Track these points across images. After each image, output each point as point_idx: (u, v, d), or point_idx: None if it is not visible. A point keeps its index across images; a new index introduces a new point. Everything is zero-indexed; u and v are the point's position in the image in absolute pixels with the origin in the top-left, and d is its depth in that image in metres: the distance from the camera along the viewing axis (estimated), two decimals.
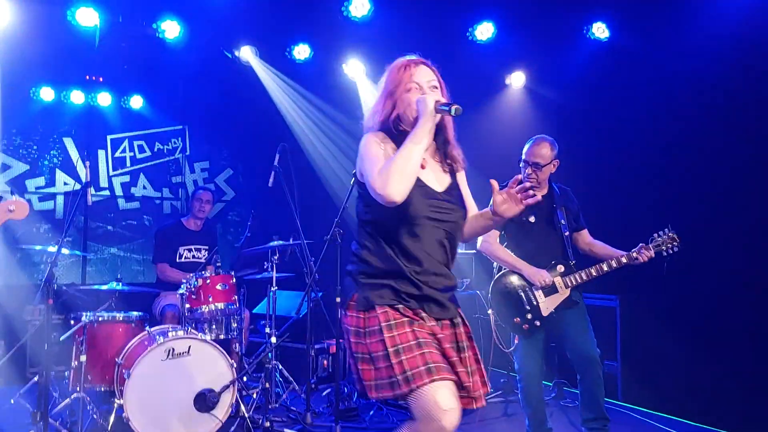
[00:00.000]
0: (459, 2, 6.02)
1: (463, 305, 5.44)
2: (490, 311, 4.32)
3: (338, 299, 4.64)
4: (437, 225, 2.39)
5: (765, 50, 5.00)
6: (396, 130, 2.40)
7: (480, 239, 4.25)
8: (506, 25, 6.45)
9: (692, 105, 5.48)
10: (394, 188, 2.17)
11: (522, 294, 4.13)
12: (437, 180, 2.48)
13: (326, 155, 7.65)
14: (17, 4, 5.63)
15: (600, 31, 6.35)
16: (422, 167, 2.38)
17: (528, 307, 4.10)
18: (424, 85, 2.40)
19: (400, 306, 2.34)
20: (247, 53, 6.82)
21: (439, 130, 2.45)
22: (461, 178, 2.63)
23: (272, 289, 5.19)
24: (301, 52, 6.89)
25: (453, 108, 2.26)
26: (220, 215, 8.56)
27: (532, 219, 4.16)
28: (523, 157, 4.17)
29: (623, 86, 6.11)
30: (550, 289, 4.09)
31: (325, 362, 5.83)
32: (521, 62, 7.13)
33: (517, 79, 7.28)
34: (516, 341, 4.19)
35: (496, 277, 4.25)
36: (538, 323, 4.08)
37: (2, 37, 5.96)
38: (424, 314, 2.39)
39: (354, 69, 7.21)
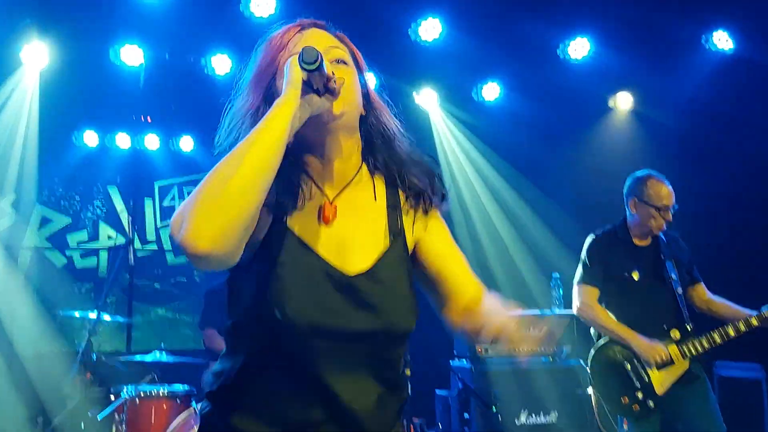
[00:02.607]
0: (546, 17, 6.08)
1: (561, 379, 5.44)
2: (590, 389, 4.25)
3: (408, 372, 4.70)
4: (342, 345, 1.49)
5: None
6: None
7: (575, 300, 4.23)
8: (605, 39, 6.46)
9: None
10: (197, 229, 1.29)
11: (630, 368, 4.05)
12: (356, 245, 1.56)
13: None
14: (56, 44, 6.15)
15: (722, 41, 6.25)
16: (325, 219, 1.56)
17: (638, 384, 4.01)
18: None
19: None
20: None
21: (366, 126, 1.65)
22: (435, 230, 1.73)
23: None
24: (367, 81, 7.11)
25: (317, 60, 1.42)
26: None
27: (636, 275, 4.10)
28: (663, 201, 4.07)
29: (753, 107, 5.97)
30: (665, 361, 4.00)
31: None
32: (626, 81, 7.09)
33: (622, 101, 7.26)
34: (625, 426, 4.10)
35: (598, 346, 4.20)
36: (651, 404, 3.98)
37: (41, 80, 6.53)
38: None
39: (426, 98, 7.38)
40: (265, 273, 1.46)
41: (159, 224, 8.51)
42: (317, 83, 1.44)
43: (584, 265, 4.23)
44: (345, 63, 1.58)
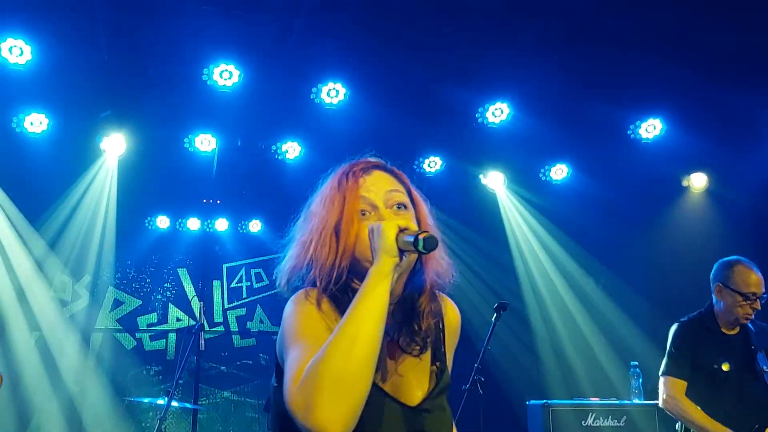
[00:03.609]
0: (616, 98, 6.08)
1: None
2: None
3: None
4: None
5: None
6: (348, 290, 1.66)
7: (661, 392, 4.05)
8: (678, 119, 6.40)
9: None
10: (327, 414, 1.36)
11: None
12: (410, 379, 1.71)
13: (461, 283, 7.71)
14: (133, 134, 6.45)
15: None
16: (390, 357, 1.69)
17: None
18: (381, 203, 1.71)
19: None
20: None
21: (417, 282, 1.74)
22: (449, 356, 1.88)
23: None
24: (432, 164, 7.20)
25: (421, 238, 1.51)
26: None
27: (725, 367, 3.91)
28: (751, 289, 3.93)
29: None
30: None
31: None
32: (701, 161, 6.98)
33: (697, 181, 7.13)
34: None
35: None
36: None
37: (119, 167, 6.84)
38: None
39: (493, 180, 7.41)
40: None
41: (226, 305, 8.61)
42: (404, 247, 1.54)
43: (670, 355, 4.06)
44: (405, 207, 1.74)
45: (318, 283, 1.67)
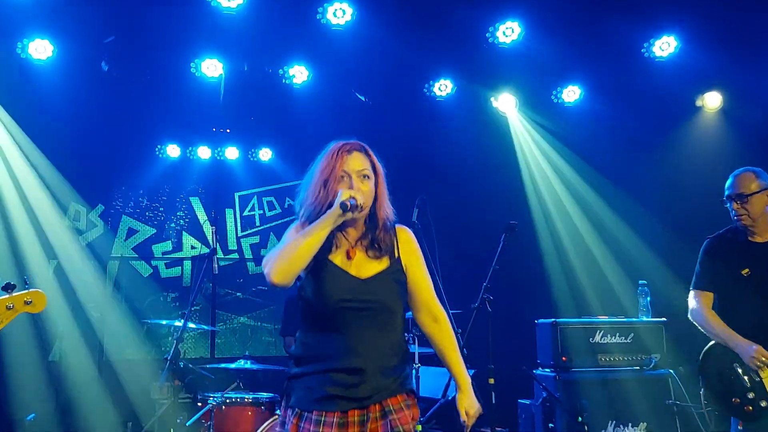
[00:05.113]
0: (630, 16, 5.93)
1: (651, 389, 5.29)
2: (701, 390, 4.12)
3: (491, 380, 4.66)
4: (354, 313, 2.67)
5: None
6: None
7: (691, 303, 4.14)
8: (692, 36, 6.27)
9: None
10: (274, 268, 2.53)
11: (739, 369, 3.91)
12: (361, 267, 2.74)
13: (473, 205, 7.71)
14: (139, 59, 6.38)
15: None
16: (349, 257, 2.75)
17: (749, 385, 3.87)
18: (353, 175, 2.70)
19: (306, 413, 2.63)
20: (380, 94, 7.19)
21: (372, 217, 2.77)
22: (410, 261, 2.83)
23: (415, 365, 5.30)
24: (443, 87, 7.12)
25: (343, 203, 2.55)
26: None
27: (746, 272, 3.97)
28: (726, 192, 4.05)
29: None
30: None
31: None
32: (715, 80, 6.85)
33: (711, 101, 7.02)
34: (740, 427, 3.94)
35: (708, 347, 4.09)
36: (764, 404, 3.83)
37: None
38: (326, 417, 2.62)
39: (504, 102, 7.33)
40: (319, 280, 2.67)
41: (240, 233, 8.71)
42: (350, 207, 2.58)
43: (696, 270, 4.17)
44: (368, 177, 2.73)
45: (309, 216, 2.68)
